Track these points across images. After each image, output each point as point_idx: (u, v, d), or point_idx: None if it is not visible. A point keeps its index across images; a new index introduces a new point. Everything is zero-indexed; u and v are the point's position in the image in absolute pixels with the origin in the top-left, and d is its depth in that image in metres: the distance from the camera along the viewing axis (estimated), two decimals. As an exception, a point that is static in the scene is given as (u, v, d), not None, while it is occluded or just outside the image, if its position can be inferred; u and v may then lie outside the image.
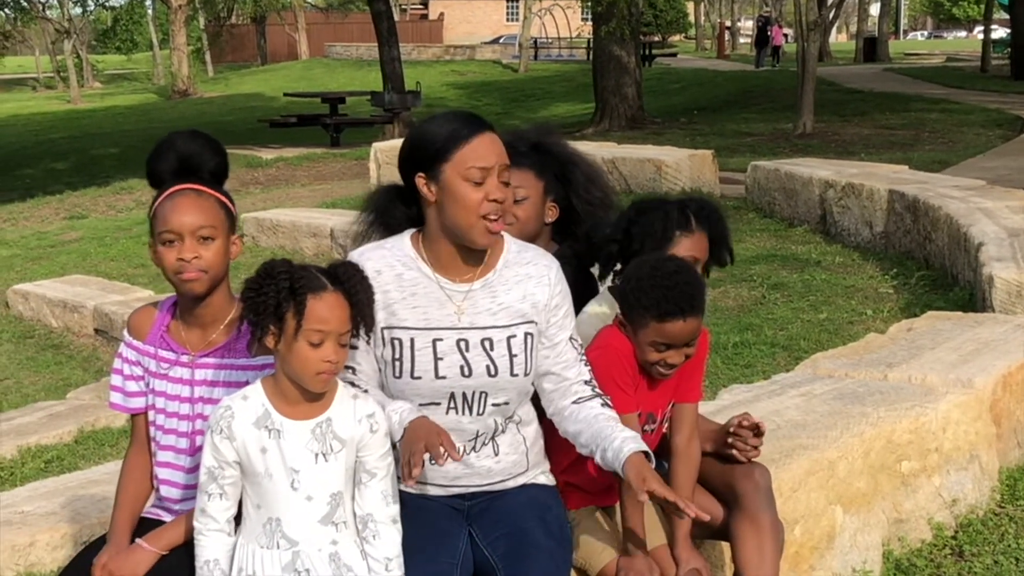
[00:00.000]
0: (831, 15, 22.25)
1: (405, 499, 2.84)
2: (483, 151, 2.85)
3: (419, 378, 2.89)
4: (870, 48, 46.85)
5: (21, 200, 18.48)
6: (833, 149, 17.28)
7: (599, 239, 3.28)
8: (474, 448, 2.97)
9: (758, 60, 43.75)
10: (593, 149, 13.26)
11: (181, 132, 2.94)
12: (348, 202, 14.25)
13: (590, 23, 28.48)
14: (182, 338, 2.92)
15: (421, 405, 2.88)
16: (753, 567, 3.11)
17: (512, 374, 2.92)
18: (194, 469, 2.91)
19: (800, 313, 7.52)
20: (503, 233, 3.01)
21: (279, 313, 2.57)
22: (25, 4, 53.37)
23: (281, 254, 11.46)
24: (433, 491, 2.98)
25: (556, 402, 3.00)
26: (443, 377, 2.89)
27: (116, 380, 3.00)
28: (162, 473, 2.97)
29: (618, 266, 3.23)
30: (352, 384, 2.80)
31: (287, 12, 65.06)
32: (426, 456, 2.69)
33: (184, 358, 2.91)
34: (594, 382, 3.01)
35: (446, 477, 2.97)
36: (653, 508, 3.16)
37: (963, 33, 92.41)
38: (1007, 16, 37.66)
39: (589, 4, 24.31)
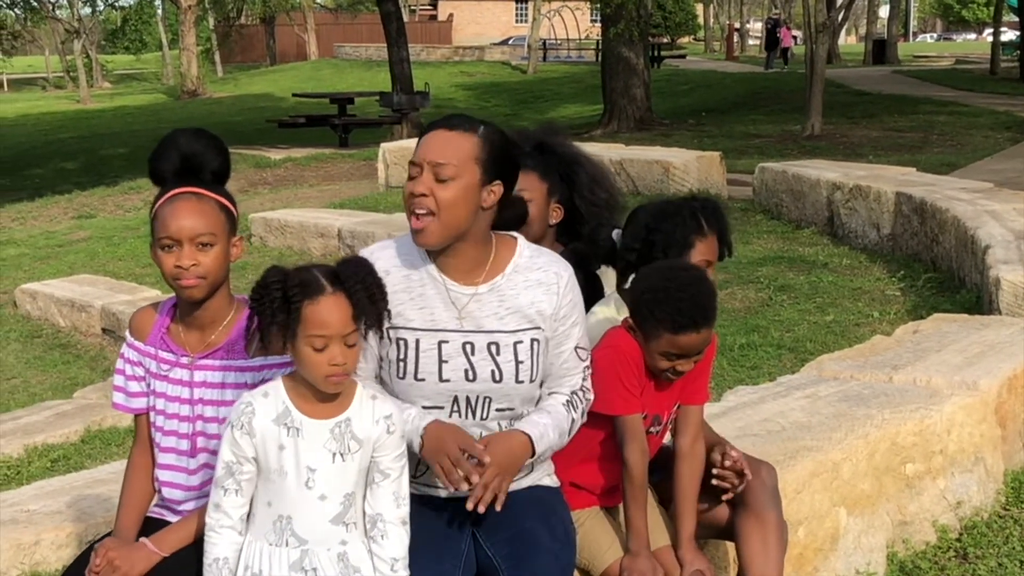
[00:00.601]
0: (840, 17, 22.24)
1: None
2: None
3: (423, 380, 2.88)
4: (879, 50, 46.73)
5: (30, 200, 18.52)
6: (841, 151, 17.26)
7: (620, 249, 3.26)
8: None
9: (768, 62, 43.69)
10: (601, 150, 13.26)
11: (184, 130, 2.92)
12: (356, 203, 14.28)
13: (599, 25, 28.45)
14: (182, 339, 2.92)
15: (424, 408, 2.88)
16: (758, 565, 3.12)
17: (518, 380, 2.90)
18: (196, 470, 2.92)
19: (807, 315, 7.52)
20: (518, 236, 3.00)
21: (277, 323, 2.57)
22: (35, 4, 53.45)
23: (289, 254, 11.51)
24: (437, 494, 2.96)
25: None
26: (447, 380, 2.88)
27: (119, 380, 3.00)
28: (164, 475, 2.97)
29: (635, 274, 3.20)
30: None
31: (296, 12, 65.10)
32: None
33: (184, 359, 2.91)
34: (588, 390, 3.01)
35: None
36: (657, 509, 3.17)
37: (972, 35, 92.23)
38: (1017, 18, 37.56)
39: (598, 6, 24.29)
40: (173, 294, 2.92)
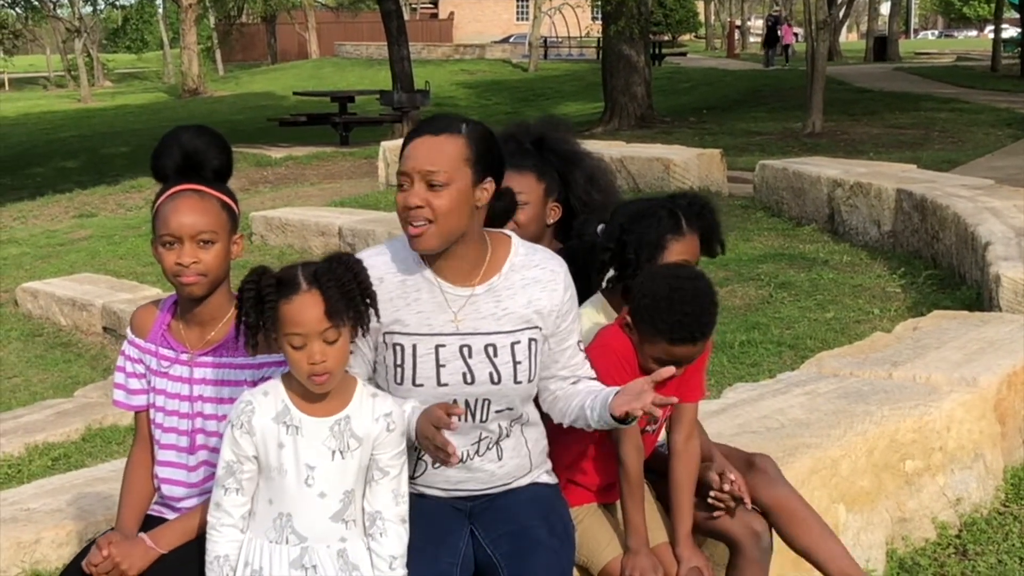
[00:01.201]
0: (841, 14, 22.25)
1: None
2: None
3: (421, 385, 2.87)
4: (880, 47, 46.68)
5: (31, 199, 18.53)
6: (842, 148, 17.25)
7: (597, 246, 3.23)
8: (477, 452, 2.95)
9: (767, 60, 43.66)
10: (602, 148, 13.22)
11: (187, 127, 2.91)
12: (357, 201, 14.27)
13: (600, 22, 28.44)
14: (182, 336, 2.92)
15: None
16: (823, 552, 3.25)
17: (516, 381, 2.89)
18: (196, 467, 2.93)
19: (807, 312, 7.51)
20: (511, 234, 2.99)
21: (250, 322, 2.58)
22: (36, 3, 53.37)
23: (290, 253, 11.51)
24: (435, 493, 2.96)
25: (556, 393, 3.00)
26: (445, 384, 2.87)
27: (119, 377, 3.00)
28: (164, 472, 2.97)
29: (611, 272, 3.19)
30: None
31: (297, 11, 65.05)
32: (428, 459, 2.71)
33: (184, 356, 2.91)
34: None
35: (448, 481, 2.96)
36: (655, 506, 3.17)
37: (974, 32, 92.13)
38: (1018, 15, 37.51)
39: (599, 3, 24.27)
40: (174, 292, 2.92)
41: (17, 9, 51.13)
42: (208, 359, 2.89)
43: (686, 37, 71.73)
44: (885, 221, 9.48)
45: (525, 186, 3.40)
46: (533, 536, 2.86)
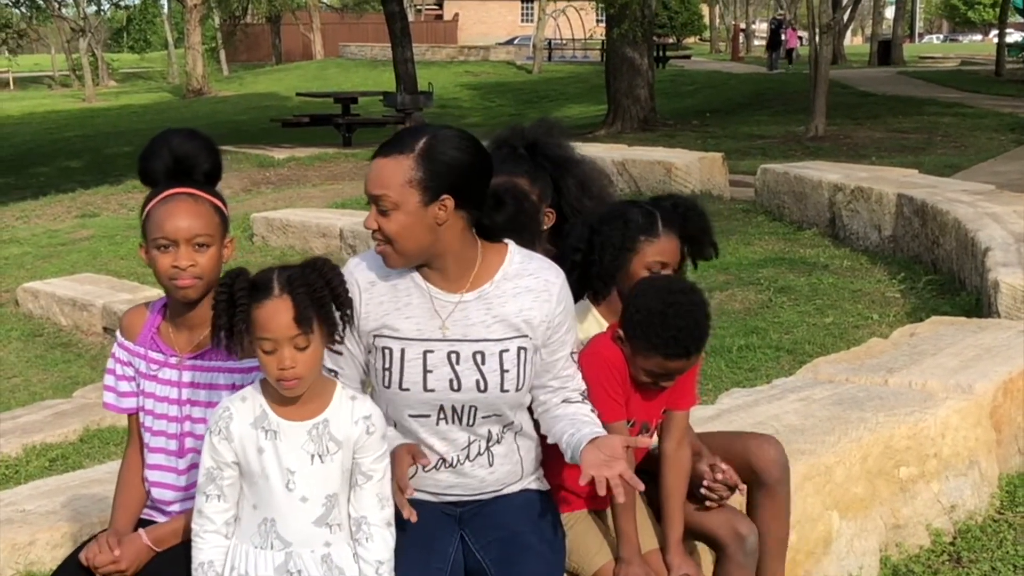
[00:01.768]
0: (845, 17, 22.22)
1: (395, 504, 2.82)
2: None
3: (407, 390, 2.86)
4: (884, 51, 46.63)
5: (34, 198, 18.53)
6: (845, 152, 17.24)
7: (568, 249, 3.21)
8: (468, 457, 2.94)
9: (771, 63, 43.65)
10: (604, 151, 13.27)
11: (176, 130, 2.92)
12: (359, 202, 14.24)
13: (604, 25, 28.44)
14: (171, 339, 2.92)
15: (411, 416, 2.88)
16: (774, 530, 3.31)
17: (503, 390, 2.87)
18: (185, 471, 2.92)
19: (806, 317, 7.51)
20: (508, 242, 2.95)
21: (223, 325, 2.58)
22: (41, 3, 53.49)
23: (291, 254, 11.52)
24: (424, 498, 2.95)
25: (546, 405, 2.99)
26: (431, 390, 2.86)
27: (109, 380, 3.00)
28: (153, 476, 2.97)
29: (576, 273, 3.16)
30: None
31: (302, 12, 65.15)
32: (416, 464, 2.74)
33: (172, 359, 2.91)
34: (586, 394, 3.00)
35: (438, 486, 2.95)
36: (645, 512, 3.17)
37: (978, 36, 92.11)
38: (1022, 20, 37.48)
39: (603, 6, 24.26)
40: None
41: (22, 8, 51.25)
42: (198, 362, 2.89)
43: (690, 40, 71.77)
44: (886, 226, 9.48)
45: None
46: (523, 542, 2.85)
